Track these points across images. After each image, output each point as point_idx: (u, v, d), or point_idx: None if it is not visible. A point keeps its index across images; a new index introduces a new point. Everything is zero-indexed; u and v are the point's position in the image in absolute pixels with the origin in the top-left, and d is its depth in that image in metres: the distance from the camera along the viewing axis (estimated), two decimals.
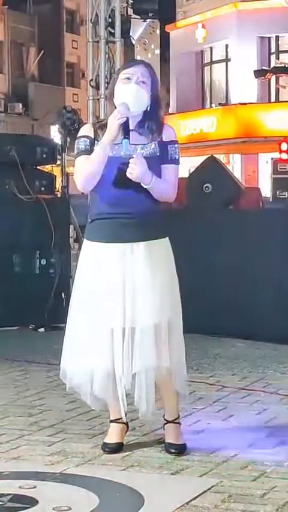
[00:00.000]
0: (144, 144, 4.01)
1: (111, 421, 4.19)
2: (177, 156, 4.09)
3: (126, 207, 3.95)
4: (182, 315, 4.11)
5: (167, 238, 4.10)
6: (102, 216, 4.02)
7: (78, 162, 4.04)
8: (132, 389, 3.98)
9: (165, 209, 4.14)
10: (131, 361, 3.93)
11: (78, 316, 4.09)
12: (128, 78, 4.01)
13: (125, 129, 3.92)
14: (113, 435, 4.15)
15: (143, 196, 3.96)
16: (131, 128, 3.98)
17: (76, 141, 4.14)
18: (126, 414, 4.12)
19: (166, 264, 4.05)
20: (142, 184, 3.93)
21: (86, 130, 4.12)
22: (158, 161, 4.01)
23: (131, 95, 3.96)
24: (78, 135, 4.13)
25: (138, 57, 31.85)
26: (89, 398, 4.10)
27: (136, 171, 3.89)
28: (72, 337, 4.12)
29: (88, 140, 4.03)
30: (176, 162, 4.09)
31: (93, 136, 4.02)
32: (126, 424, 4.20)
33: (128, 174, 3.89)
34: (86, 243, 4.10)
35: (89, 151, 4.00)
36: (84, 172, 4.00)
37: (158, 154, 4.01)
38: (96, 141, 4.02)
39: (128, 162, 3.92)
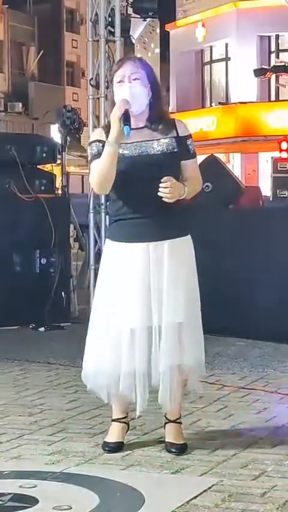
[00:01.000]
0: (158, 139, 3.99)
1: (113, 420, 4.19)
2: (194, 150, 4.12)
3: (146, 206, 3.95)
4: (200, 318, 4.11)
5: (189, 236, 4.10)
6: (124, 216, 4.02)
7: (92, 167, 4.04)
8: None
9: (186, 206, 4.12)
10: (159, 359, 3.94)
11: (100, 317, 4.07)
12: (121, 81, 4.01)
13: (125, 118, 3.90)
14: (114, 434, 4.15)
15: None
16: (141, 125, 3.99)
17: (88, 146, 4.15)
18: (129, 415, 4.12)
19: (188, 262, 4.06)
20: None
21: (98, 134, 4.12)
22: (176, 157, 4.00)
23: (126, 96, 3.95)
24: (90, 140, 4.14)
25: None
26: (111, 399, 4.12)
27: (173, 194, 3.90)
28: (95, 338, 4.08)
29: (100, 144, 4.02)
30: (195, 155, 4.13)
31: (105, 140, 3.99)
32: (128, 423, 4.20)
33: (166, 200, 3.89)
34: (109, 243, 4.10)
35: (101, 155, 3.98)
36: (97, 175, 3.99)
37: (175, 150, 3.99)
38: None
39: (143, 159, 3.91)
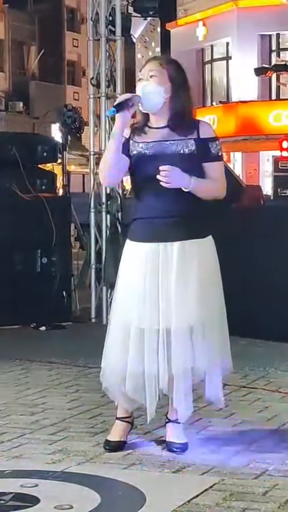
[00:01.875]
0: (175, 140, 3.98)
1: (117, 418, 4.18)
2: (219, 153, 4.06)
3: (162, 206, 3.94)
4: (224, 320, 4.08)
5: (209, 237, 4.07)
6: (139, 216, 4.04)
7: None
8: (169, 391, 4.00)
9: (207, 208, 4.09)
10: (167, 362, 3.92)
11: (115, 316, 4.08)
12: (141, 79, 4.04)
13: (119, 104, 3.90)
14: (116, 433, 4.14)
15: (180, 195, 3.93)
16: (162, 124, 3.99)
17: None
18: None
19: (204, 264, 4.01)
20: (182, 188, 3.92)
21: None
22: (196, 159, 3.98)
23: (139, 91, 3.97)
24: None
25: (138, 56, 31.96)
26: (120, 399, 4.12)
27: (172, 179, 3.88)
28: (108, 337, 4.09)
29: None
30: (219, 158, 4.06)
31: (127, 137, 4.03)
32: (131, 422, 4.19)
33: (164, 185, 3.88)
34: (127, 242, 4.11)
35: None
36: (101, 167, 4.07)
37: (195, 152, 3.97)
38: (132, 142, 4.02)
39: (160, 159, 3.91)
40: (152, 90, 3.97)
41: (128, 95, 3.97)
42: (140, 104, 3.97)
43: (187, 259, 3.96)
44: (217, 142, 4.07)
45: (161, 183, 3.88)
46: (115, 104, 3.94)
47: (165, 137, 3.99)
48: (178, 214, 3.95)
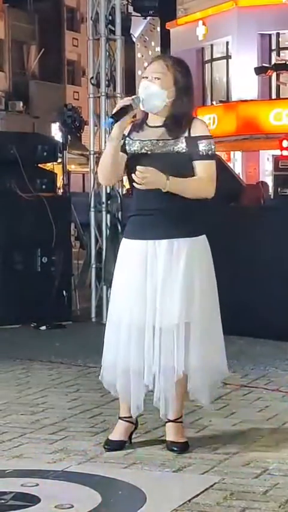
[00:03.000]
0: (168, 140, 3.97)
1: (119, 418, 4.18)
2: (210, 152, 3.99)
3: (152, 205, 3.94)
4: (218, 317, 4.09)
5: (202, 237, 4.04)
6: (133, 213, 4.07)
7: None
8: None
9: (199, 206, 4.07)
10: (153, 360, 3.93)
11: (109, 315, 4.12)
12: (145, 77, 4.02)
13: (117, 113, 3.90)
14: (117, 433, 4.14)
15: (168, 193, 3.92)
16: (159, 124, 3.99)
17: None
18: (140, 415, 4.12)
19: (194, 264, 3.99)
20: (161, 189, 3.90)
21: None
22: (184, 157, 3.96)
23: (141, 91, 3.97)
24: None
25: (138, 55, 31.93)
26: (120, 397, 4.12)
27: (146, 180, 3.87)
28: (105, 336, 4.11)
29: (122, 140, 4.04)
30: (209, 157, 3.99)
31: (126, 135, 4.04)
32: (134, 423, 4.17)
33: (137, 186, 3.89)
34: (122, 240, 4.14)
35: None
36: (99, 168, 4.14)
37: (184, 150, 3.96)
38: (128, 139, 4.03)
39: (153, 157, 3.93)
40: (154, 92, 3.97)
41: (125, 101, 3.95)
42: (141, 104, 3.97)
43: (174, 257, 3.95)
44: (209, 141, 4.00)
45: (134, 183, 3.90)
46: (113, 113, 3.93)
47: (159, 136, 3.99)
48: (168, 212, 3.95)
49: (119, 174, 4.15)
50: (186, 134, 3.99)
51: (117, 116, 3.90)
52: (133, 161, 3.98)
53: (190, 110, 4.09)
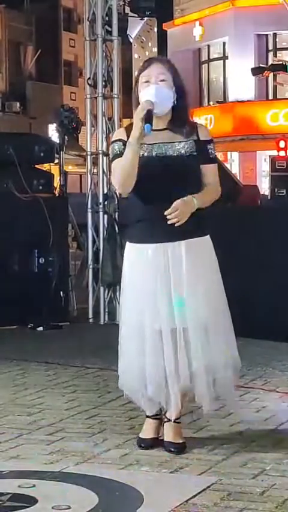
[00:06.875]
0: (178, 142, 4.00)
1: (147, 417, 4.19)
2: (215, 155, 4.13)
3: (164, 208, 3.93)
4: (228, 316, 4.11)
5: (208, 236, 4.10)
6: (142, 218, 4.03)
7: (113, 166, 4.06)
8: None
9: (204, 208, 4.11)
10: (188, 360, 3.95)
11: (127, 321, 4.09)
12: (147, 82, 4.01)
13: (147, 118, 3.87)
14: (149, 431, 4.16)
15: (183, 195, 3.94)
16: (162, 126, 4.00)
17: (111, 146, 4.18)
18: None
19: (209, 262, 4.06)
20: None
21: (120, 133, 4.12)
22: (195, 160, 4.01)
23: (152, 96, 3.93)
24: (112, 140, 4.16)
25: (135, 56, 31.91)
26: (143, 403, 4.14)
27: (181, 215, 3.90)
28: (124, 342, 4.10)
29: (121, 143, 4.02)
30: (215, 160, 4.12)
31: (126, 140, 3.99)
32: (161, 418, 4.17)
33: (178, 224, 3.90)
34: (128, 246, 4.11)
35: (123, 154, 3.98)
36: (118, 174, 4.00)
37: (194, 153, 4.00)
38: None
39: (163, 161, 3.93)
40: (166, 95, 3.98)
41: (148, 106, 3.90)
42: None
43: (195, 257, 4.00)
44: (213, 144, 4.13)
45: (169, 221, 3.89)
46: (144, 118, 3.84)
47: (166, 139, 4.00)
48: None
49: (134, 180, 4.07)
50: (195, 137, 4.02)
51: (150, 121, 3.87)
52: (143, 165, 3.94)
53: (189, 108, 4.19)
